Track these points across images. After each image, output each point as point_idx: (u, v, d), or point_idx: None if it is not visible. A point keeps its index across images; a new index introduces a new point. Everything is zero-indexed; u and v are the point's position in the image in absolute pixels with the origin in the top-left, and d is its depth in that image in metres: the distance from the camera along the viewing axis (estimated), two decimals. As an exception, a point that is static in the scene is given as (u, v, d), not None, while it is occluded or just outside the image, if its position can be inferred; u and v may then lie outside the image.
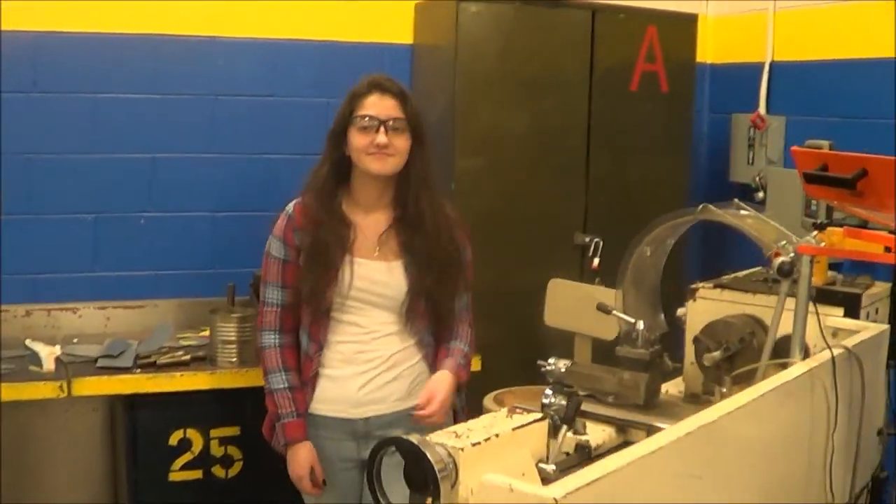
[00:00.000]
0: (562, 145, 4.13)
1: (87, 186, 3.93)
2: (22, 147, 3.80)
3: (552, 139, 4.11)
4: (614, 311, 2.49)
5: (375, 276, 2.78)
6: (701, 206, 2.46)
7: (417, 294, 2.78)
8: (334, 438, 2.81)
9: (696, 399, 2.54)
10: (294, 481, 2.81)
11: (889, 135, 3.74)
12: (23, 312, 3.82)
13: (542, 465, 1.81)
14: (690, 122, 4.49)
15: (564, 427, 1.86)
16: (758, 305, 2.55)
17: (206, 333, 3.69)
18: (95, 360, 3.41)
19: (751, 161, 4.48)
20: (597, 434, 2.11)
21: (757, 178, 4.39)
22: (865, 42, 4.01)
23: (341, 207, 2.81)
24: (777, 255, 2.30)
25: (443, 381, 2.74)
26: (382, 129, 2.72)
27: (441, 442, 1.62)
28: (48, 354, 3.35)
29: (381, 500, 1.70)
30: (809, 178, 2.05)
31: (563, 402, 2.08)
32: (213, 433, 3.47)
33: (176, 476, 3.44)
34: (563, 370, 2.27)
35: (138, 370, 3.36)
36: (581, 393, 2.17)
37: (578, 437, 2.00)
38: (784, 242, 2.31)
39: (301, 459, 2.79)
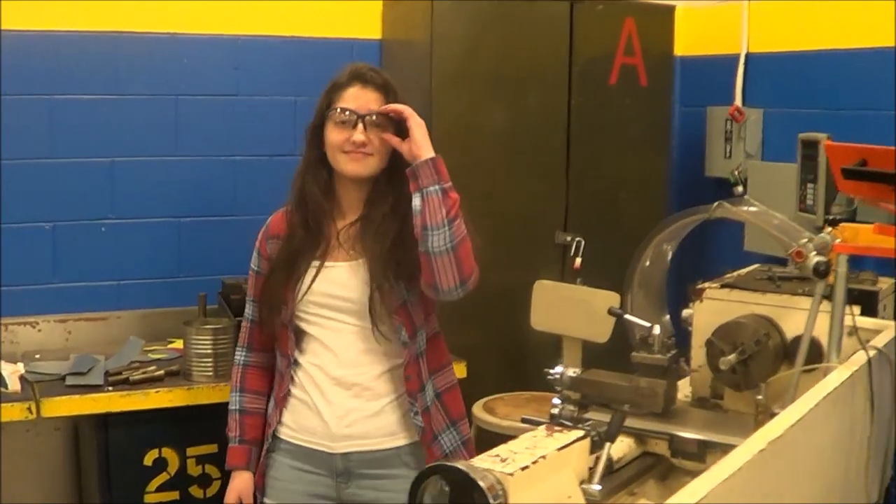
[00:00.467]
0: (541, 142, 4.03)
1: (43, 193, 3.76)
2: (-27, 153, 3.62)
3: (531, 136, 4.01)
4: (627, 316, 2.38)
5: (337, 279, 2.53)
6: (716, 204, 2.38)
7: (381, 287, 2.48)
8: (308, 471, 2.57)
9: (705, 403, 2.46)
10: None
11: (871, 125, 3.71)
12: (-21, 327, 3.63)
13: (584, 486, 1.69)
14: (669, 116, 4.44)
15: (608, 444, 1.73)
16: (767, 305, 2.45)
17: (176, 346, 3.56)
18: (63, 378, 3.22)
19: (728, 155, 4.41)
20: (616, 445, 1.97)
21: (735, 173, 4.33)
22: (842, 32, 3.97)
23: (321, 209, 2.54)
24: (799, 254, 2.21)
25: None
26: (361, 124, 2.46)
27: (488, 467, 1.49)
28: (12, 373, 3.17)
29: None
30: (848, 174, 1.96)
31: (574, 410, 1.99)
32: (190, 451, 3.31)
33: (151, 498, 3.29)
34: (570, 378, 2.14)
35: (110, 388, 3.19)
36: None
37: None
38: (805, 240, 2.22)
39: (234, 487, 2.66)
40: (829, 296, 2.18)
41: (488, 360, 3.76)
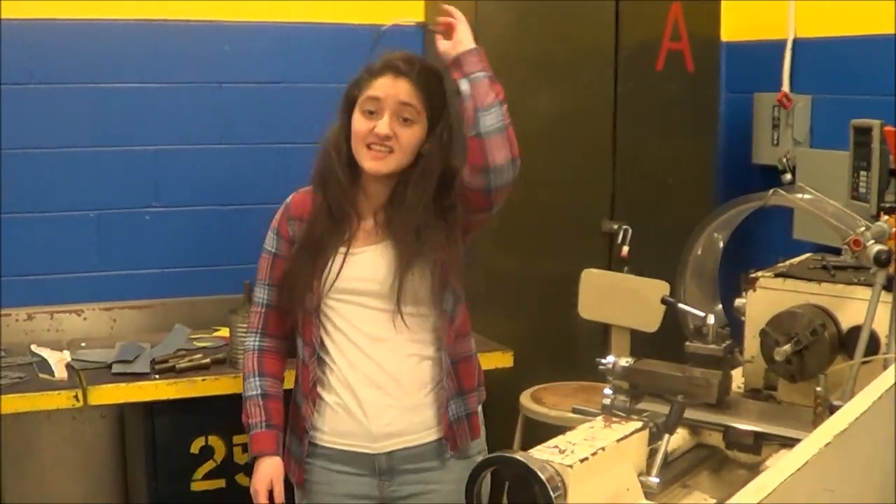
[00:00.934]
0: (587, 129, 4.00)
1: (88, 182, 3.75)
2: (20, 142, 3.62)
3: (577, 122, 3.98)
4: (681, 305, 2.34)
5: (364, 263, 2.45)
6: (772, 191, 2.33)
7: (409, 266, 2.39)
8: (350, 473, 2.49)
9: (758, 394, 2.41)
10: (252, 495, 2.50)
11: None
12: (24, 316, 3.65)
13: (643, 479, 1.66)
14: (717, 102, 4.38)
15: (667, 436, 1.70)
16: (822, 295, 2.39)
17: (221, 334, 3.55)
18: (109, 366, 3.22)
19: (775, 142, 4.34)
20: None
21: (784, 160, 4.25)
22: (890, 17, 3.86)
23: (345, 197, 2.45)
24: (857, 242, 2.16)
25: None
26: (387, 116, 2.38)
27: (547, 459, 1.46)
28: (58, 361, 3.17)
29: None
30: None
31: (627, 400, 1.96)
32: (237, 440, 3.28)
33: (198, 486, 3.28)
34: (623, 368, 2.10)
35: (157, 376, 3.18)
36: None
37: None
38: (863, 229, 2.17)
39: (265, 473, 2.47)
40: (887, 286, 2.12)
41: (535, 349, 3.73)
